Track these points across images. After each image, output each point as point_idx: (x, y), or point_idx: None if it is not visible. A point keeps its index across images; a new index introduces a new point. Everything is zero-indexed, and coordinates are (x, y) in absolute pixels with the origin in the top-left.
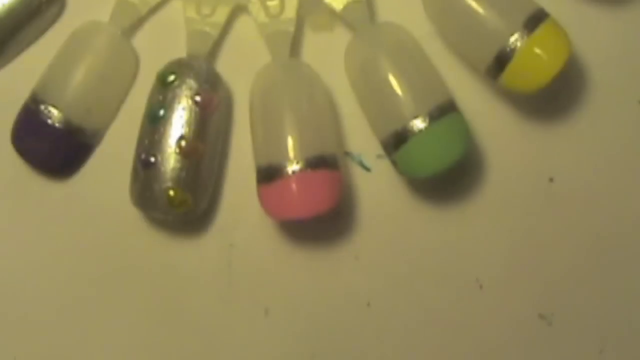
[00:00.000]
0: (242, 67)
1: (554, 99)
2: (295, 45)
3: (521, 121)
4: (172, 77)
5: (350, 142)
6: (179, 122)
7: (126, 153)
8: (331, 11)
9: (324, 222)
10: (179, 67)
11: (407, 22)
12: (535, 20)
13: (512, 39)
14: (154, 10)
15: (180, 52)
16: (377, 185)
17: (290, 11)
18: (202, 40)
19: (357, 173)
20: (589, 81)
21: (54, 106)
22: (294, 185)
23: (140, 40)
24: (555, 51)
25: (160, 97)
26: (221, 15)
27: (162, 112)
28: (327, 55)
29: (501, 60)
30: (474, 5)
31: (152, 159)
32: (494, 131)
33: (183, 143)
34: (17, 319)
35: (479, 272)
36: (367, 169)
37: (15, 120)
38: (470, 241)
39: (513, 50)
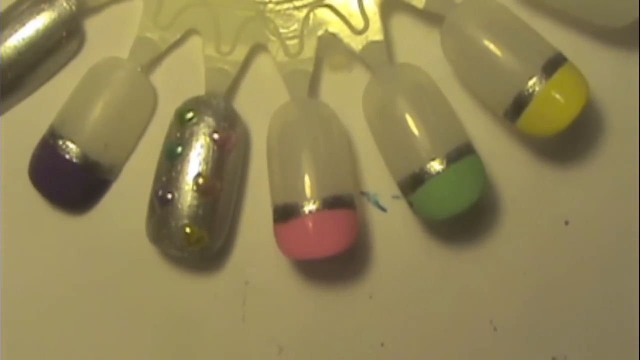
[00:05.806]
0: (260, 105)
1: (571, 142)
2: (313, 85)
3: (537, 164)
4: (190, 115)
5: (367, 182)
6: (196, 159)
7: (143, 189)
8: (350, 52)
9: (339, 261)
10: (198, 105)
11: (425, 63)
12: (554, 64)
13: (531, 82)
14: (173, 47)
15: (198, 89)
16: (392, 226)
17: (310, 51)
18: (221, 78)
19: (372, 213)
20: (606, 125)
21: (71, 141)
22: (310, 225)
23: (159, 77)
24: (574, 96)
25: (178, 135)
26: (240, 53)
27: (180, 149)
28: (345, 95)
29: (519, 104)
30: (493, 48)
31: (170, 196)
32: (511, 174)
33: (200, 181)
34: (32, 351)
35: (493, 315)
36: (383, 210)
37: (32, 155)
38: (485, 283)
39: (531, 94)
